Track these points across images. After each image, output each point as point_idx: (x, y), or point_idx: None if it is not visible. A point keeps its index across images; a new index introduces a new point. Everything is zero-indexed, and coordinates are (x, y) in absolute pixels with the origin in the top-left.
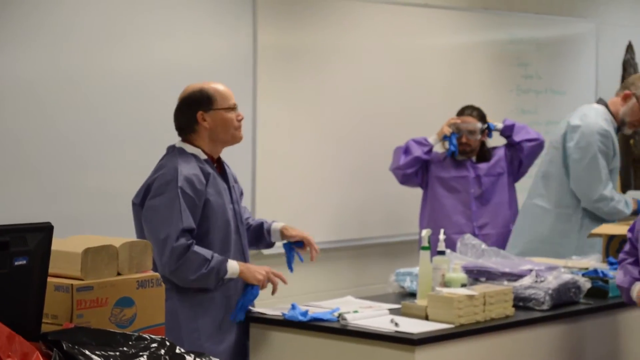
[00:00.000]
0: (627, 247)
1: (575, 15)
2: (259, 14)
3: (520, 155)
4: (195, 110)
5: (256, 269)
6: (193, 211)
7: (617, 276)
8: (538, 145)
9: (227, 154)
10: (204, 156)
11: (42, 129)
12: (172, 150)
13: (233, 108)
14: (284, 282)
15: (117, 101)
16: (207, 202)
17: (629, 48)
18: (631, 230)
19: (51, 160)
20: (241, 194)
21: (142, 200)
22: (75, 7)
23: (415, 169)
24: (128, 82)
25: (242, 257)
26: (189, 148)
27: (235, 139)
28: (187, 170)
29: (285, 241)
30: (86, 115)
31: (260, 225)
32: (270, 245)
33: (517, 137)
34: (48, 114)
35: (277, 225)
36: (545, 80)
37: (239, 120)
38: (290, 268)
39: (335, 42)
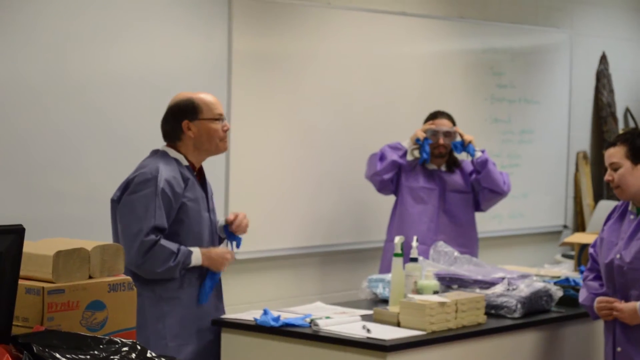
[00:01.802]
0: (589, 262)
1: (549, 26)
2: (233, 19)
3: (479, 197)
4: (181, 119)
5: (217, 259)
6: (168, 212)
7: (580, 294)
8: (499, 196)
9: None
10: (185, 162)
11: (15, 131)
12: (156, 152)
13: (219, 118)
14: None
15: (91, 105)
16: (182, 206)
17: (603, 59)
18: (593, 246)
19: (25, 161)
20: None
21: (120, 197)
22: (50, 11)
23: (392, 174)
24: (102, 86)
25: None
26: (172, 153)
27: (219, 149)
28: (168, 172)
29: (223, 224)
30: (61, 119)
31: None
32: (220, 241)
33: (483, 182)
34: (23, 116)
35: (221, 221)
36: (519, 89)
37: (225, 131)
38: (239, 246)
39: (309, 49)
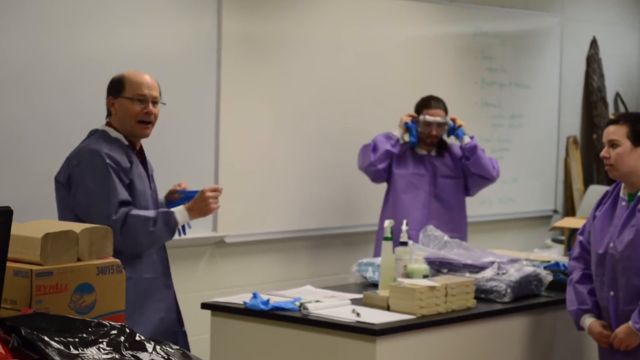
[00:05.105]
0: (576, 250)
1: (540, 10)
2: (223, 2)
3: (468, 182)
4: (108, 94)
5: (202, 205)
6: (123, 185)
7: (567, 296)
8: (488, 182)
9: (191, 140)
10: (125, 142)
11: (0, 114)
12: (95, 132)
13: (139, 99)
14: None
15: (79, 87)
16: (131, 183)
17: (593, 43)
18: (582, 233)
19: (12, 144)
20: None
21: (68, 181)
22: None
23: (386, 164)
24: (91, 67)
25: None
26: (113, 132)
27: (135, 132)
28: (111, 151)
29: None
30: (47, 102)
31: None
32: None
33: (472, 168)
34: (8, 99)
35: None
36: (509, 73)
37: (146, 114)
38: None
39: (299, 31)
